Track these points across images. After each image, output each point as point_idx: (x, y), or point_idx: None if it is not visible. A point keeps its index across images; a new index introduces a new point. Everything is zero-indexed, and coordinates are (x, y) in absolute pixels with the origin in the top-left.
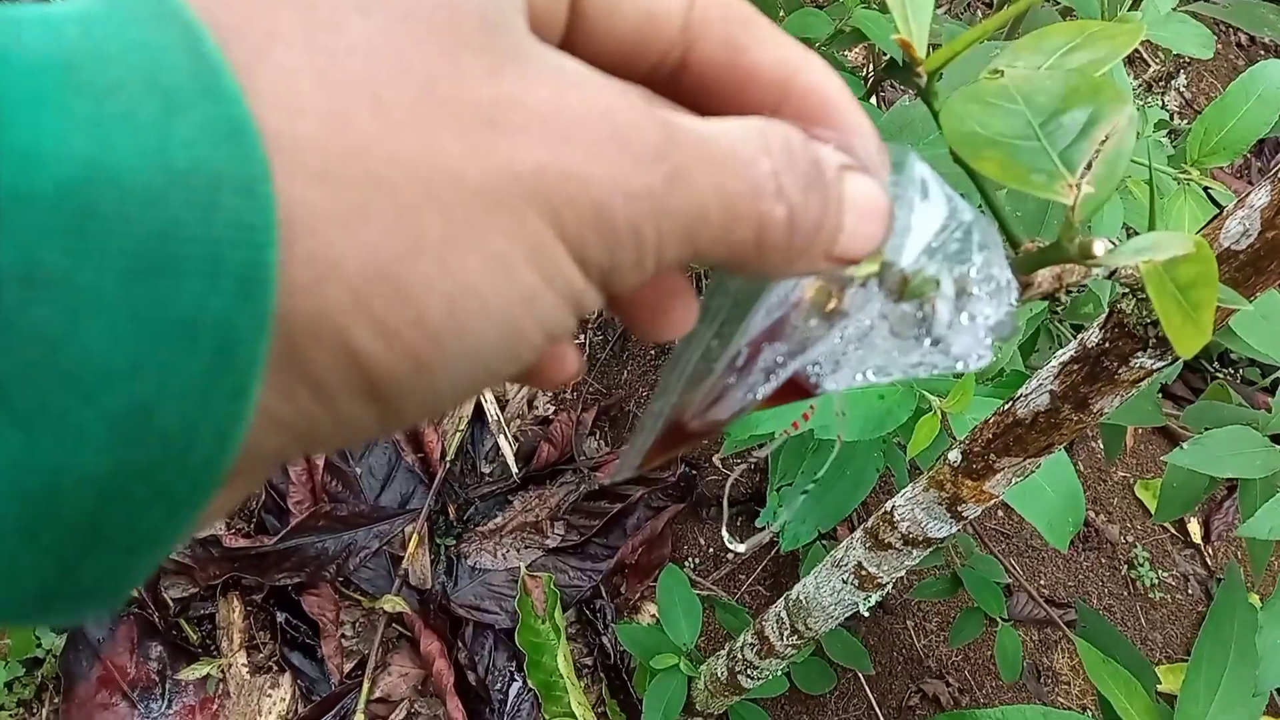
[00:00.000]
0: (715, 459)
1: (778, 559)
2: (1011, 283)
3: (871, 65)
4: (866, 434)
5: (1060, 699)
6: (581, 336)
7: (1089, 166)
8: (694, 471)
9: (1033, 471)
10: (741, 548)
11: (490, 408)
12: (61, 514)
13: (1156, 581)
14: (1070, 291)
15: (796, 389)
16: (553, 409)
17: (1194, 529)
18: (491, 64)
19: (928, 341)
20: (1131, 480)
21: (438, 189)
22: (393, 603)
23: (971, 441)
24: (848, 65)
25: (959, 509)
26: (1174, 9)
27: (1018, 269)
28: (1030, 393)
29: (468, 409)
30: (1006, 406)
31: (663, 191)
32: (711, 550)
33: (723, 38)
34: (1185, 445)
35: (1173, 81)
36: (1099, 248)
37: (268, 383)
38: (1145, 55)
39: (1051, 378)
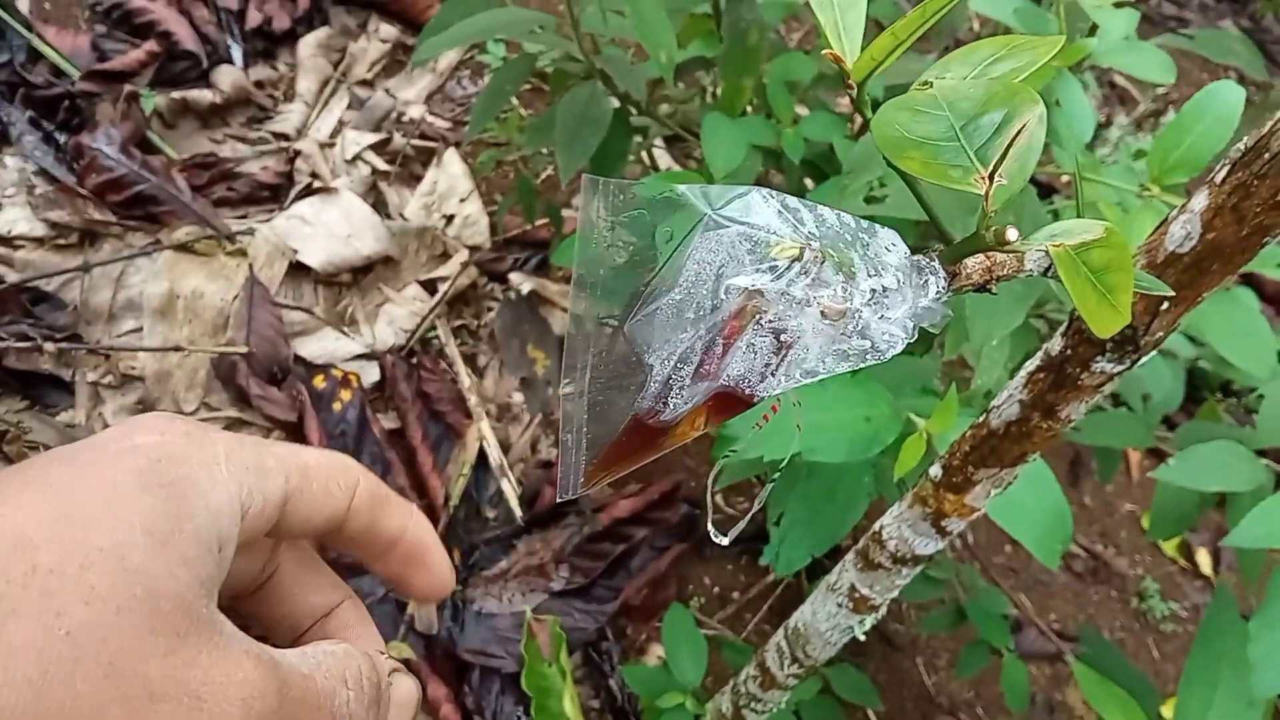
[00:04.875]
0: (718, 498)
1: (784, 597)
2: (937, 274)
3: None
4: (854, 456)
5: None
6: None
7: (1004, 162)
8: (697, 511)
9: (1010, 483)
10: (725, 540)
11: (493, 452)
12: None
13: (1168, 613)
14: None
15: (734, 401)
16: (556, 452)
17: (1203, 559)
18: (170, 644)
19: (853, 339)
20: (1138, 513)
21: None
22: (398, 650)
23: (950, 455)
24: (835, 109)
25: (943, 524)
26: (1134, 38)
27: (944, 260)
28: (1001, 403)
29: (472, 454)
30: (981, 419)
31: None
32: (717, 590)
33: (367, 512)
34: (1170, 460)
35: (1161, 118)
36: (1011, 234)
37: None
38: (1136, 93)
39: (1020, 387)
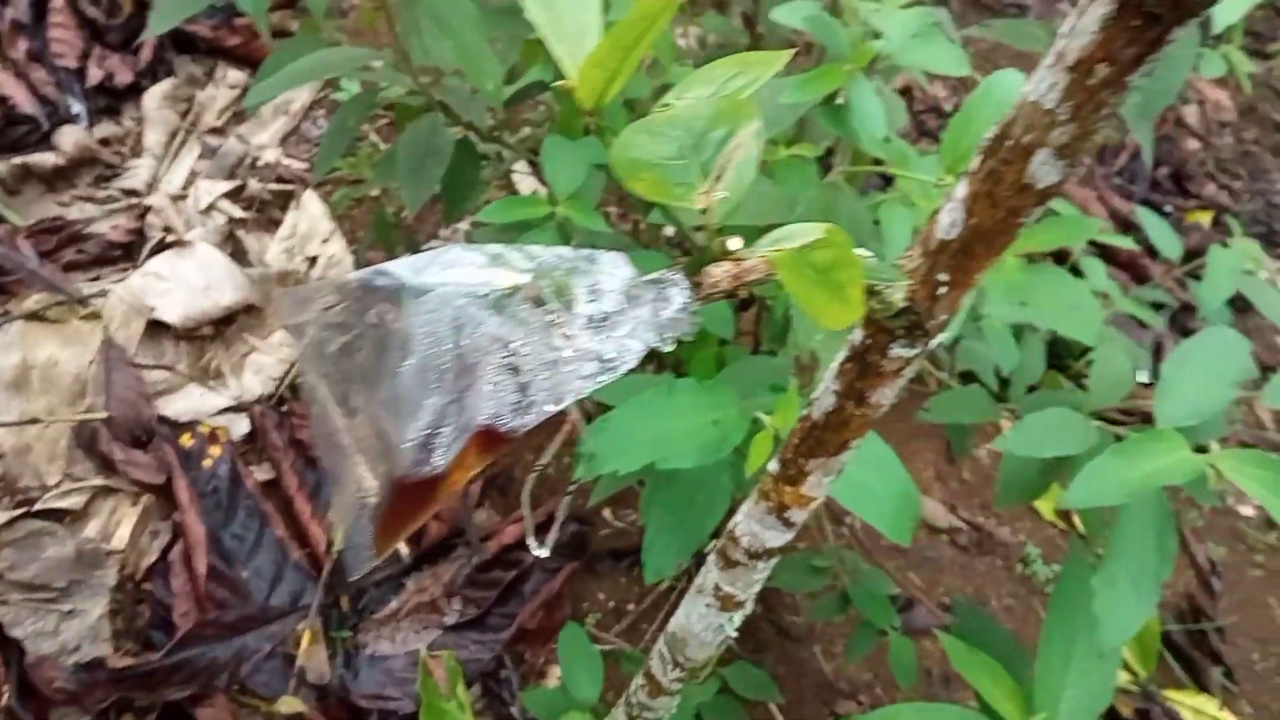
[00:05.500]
0: (605, 512)
1: (678, 604)
2: (680, 286)
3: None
4: (705, 460)
5: (972, 702)
6: None
7: (723, 177)
8: (586, 527)
9: (839, 471)
10: (545, 551)
11: None
12: None
13: (1051, 576)
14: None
15: (498, 437)
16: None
17: (1079, 521)
18: None
19: (584, 362)
20: None
21: None
22: (290, 704)
23: (785, 450)
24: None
25: (786, 515)
26: (932, 35)
27: (687, 273)
28: (820, 395)
29: None
30: (805, 412)
31: None
32: (612, 604)
33: None
34: (1007, 431)
35: None
36: (732, 244)
37: None
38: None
39: (833, 379)
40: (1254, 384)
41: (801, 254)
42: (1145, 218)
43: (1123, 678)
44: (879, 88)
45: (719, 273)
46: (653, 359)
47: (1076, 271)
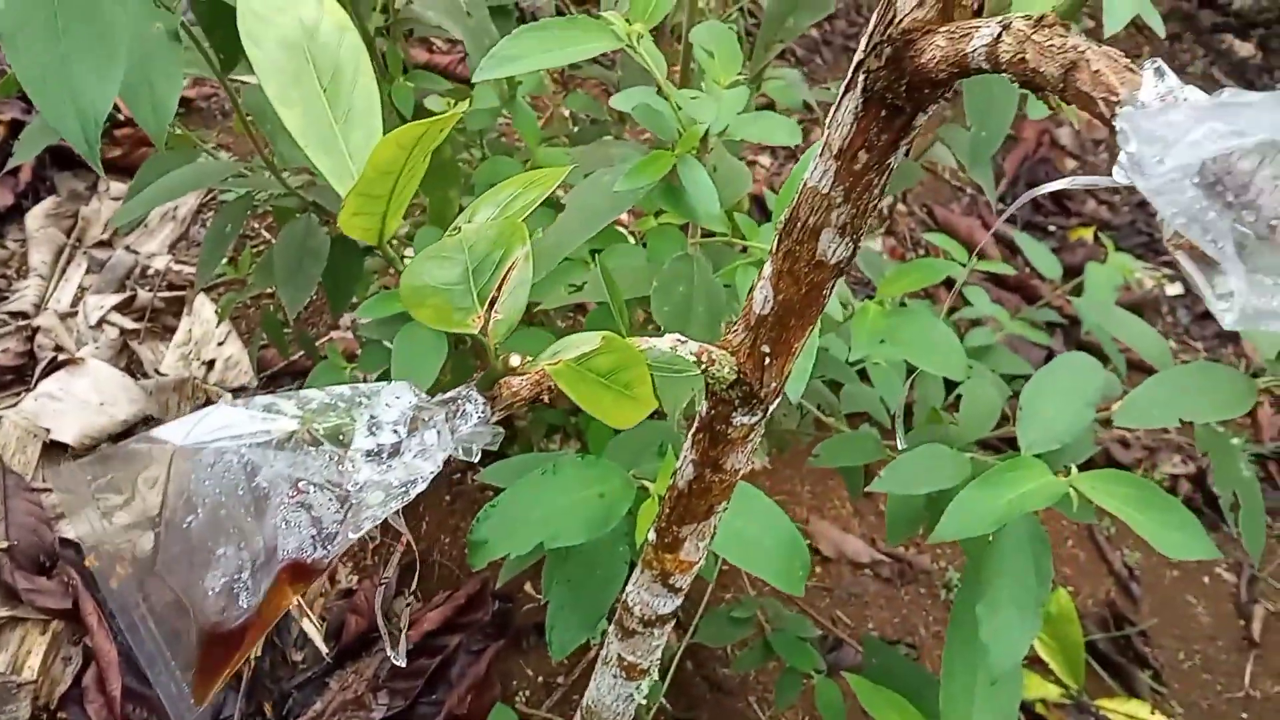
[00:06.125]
0: (527, 587)
1: None
2: (475, 402)
3: None
4: (594, 534)
5: None
6: None
7: (500, 300)
8: (509, 604)
9: (713, 533)
10: (401, 661)
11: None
12: None
13: None
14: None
15: (306, 569)
16: (356, 578)
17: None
18: None
19: (368, 492)
20: None
21: None
22: None
23: (659, 519)
24: (558, 203)
25: (671, 581)
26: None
27: (481, 388)
28: (681, 466)
29: None
30: (672, 482)
31: None
32: (541, 679)
33: None
34: (883, 471)
35: None
36: (514, 360)
37: None
38: None
39: (690, 449)
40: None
41: (581, 364)
42: (1024, 241)
43: (1054, 691)
44: (718, 160)
45: (518, 383)
46: (558, 430)
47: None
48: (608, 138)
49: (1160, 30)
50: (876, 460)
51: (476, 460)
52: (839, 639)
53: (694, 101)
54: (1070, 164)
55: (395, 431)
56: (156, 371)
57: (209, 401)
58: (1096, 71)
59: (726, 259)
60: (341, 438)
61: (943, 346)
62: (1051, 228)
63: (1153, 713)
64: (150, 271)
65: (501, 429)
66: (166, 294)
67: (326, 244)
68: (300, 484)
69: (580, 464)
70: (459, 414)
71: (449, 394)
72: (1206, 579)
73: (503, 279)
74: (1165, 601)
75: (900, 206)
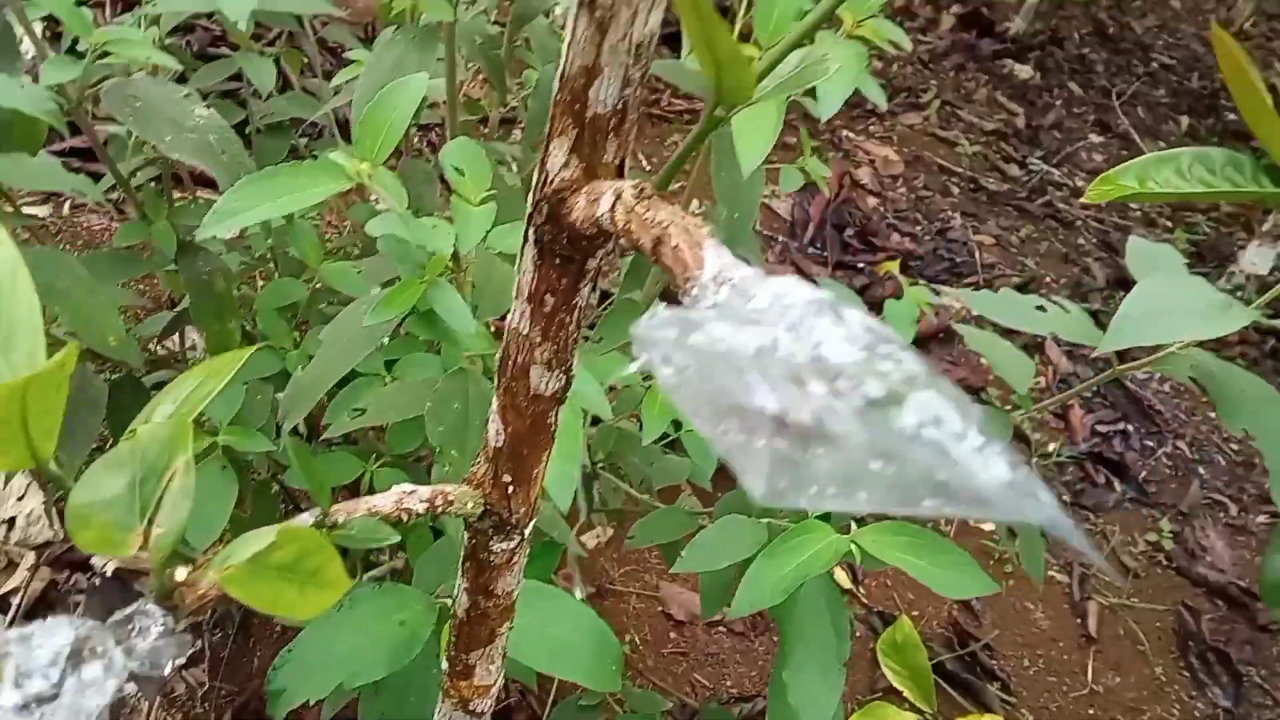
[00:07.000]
0: None
1: None
2: (151, 615)
3: None
4: (397, 664)
5: None
6: (199, 640)
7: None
8: None
9: (502, 656)
10: None
11: None
12: None
13: None
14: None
15: None
16: None
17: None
18: None
19: None
20: None
21: None
22: None
23: (448, 649)
24: None
25: (471, 707)
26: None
27: (158, 600)
28: (457, 594)
29: None
30: (453, 610)
31: None
32: None
33: None
34: (684, 552)
35: None
36: (180, 574)
37: None
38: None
39: (460, 578)
40: None
41: (258, 562)
42: (828, 285)
43: (911, 718)
44: (488, 271)
45: (206, 584)
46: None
47: None
48: None
49: (882, 103)
50: (688, 533)
51: (168, 674)
52: (693, 710)
53: (432, 231)
54: (872, 200)
55: (46, 676)
56: None
57: (11, 563)
58: (675, 247)
59: None
60: None
61: None
62: (860, 265)
63: None
64: None
65: (190, 636)
66: None
67: (104, 392)
68: None
69: (378, 593)
70: (136, 632)
71: (123, 613)
72: (1041, 584)
73: (162, 490)
74: (1005, 612)
75: None
